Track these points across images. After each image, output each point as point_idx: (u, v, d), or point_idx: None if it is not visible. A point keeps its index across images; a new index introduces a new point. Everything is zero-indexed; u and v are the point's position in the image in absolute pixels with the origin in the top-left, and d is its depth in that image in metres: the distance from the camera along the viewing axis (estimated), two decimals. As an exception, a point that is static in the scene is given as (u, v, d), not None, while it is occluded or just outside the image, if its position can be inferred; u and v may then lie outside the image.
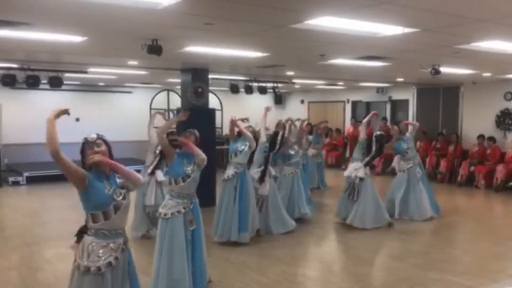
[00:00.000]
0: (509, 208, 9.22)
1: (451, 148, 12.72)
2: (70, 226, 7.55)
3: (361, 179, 7.57)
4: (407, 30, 5.23)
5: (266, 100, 17.30)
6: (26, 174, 12.11)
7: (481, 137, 12.03)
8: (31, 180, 12.06)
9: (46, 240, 7.09)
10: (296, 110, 18.04)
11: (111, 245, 3.25)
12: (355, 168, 7.66)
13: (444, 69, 8.51)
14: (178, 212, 4.63)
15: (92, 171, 3.32)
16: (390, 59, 7.80)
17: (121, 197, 3.29)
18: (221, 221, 6.60)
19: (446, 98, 13.56)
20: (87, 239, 3.26)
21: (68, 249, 6.28)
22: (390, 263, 6.23)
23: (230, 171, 6.60)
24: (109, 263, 3.22)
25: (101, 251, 3.22)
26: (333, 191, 10.51)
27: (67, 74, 10.03)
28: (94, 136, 3.40)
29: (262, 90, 12.56)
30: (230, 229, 6.51)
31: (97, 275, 3.18)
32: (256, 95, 13.79)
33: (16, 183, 11.95)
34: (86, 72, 10.02)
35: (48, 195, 11.05)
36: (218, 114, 12.77)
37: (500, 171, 11.25)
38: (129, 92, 15.37)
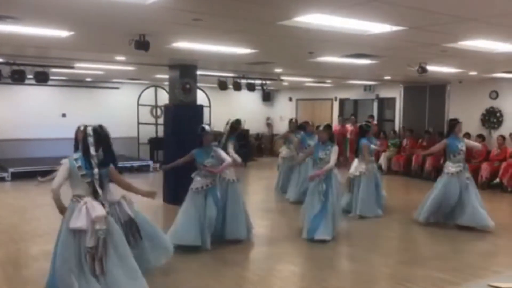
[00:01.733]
0: (494, 205, 9.31)
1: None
2: (57, 223, 7.53)
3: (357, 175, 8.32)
4: (395, 28, 5.27)
5: (255, 97, 17.33)
6: (11, 170, 11.97)
7: (466, 135, 12.14)
8: (17, 176, 11.91)
9: (32, 237, 7.02)
10: (284, 108, 18.10)
11: None
12: (355, 166, 8.44)
13: (431, 68, 8.58)
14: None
15: None
16: (378, 57, 7.84)
17: None
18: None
19: (432, 97, 13.68)
20: None
21: (53, 246, 6.28)
22: (376, 259, 6.28)
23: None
24: None
25: None
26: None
27: (53, 69, 9.94)
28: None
29: (251, 87, 12.56)
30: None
31: None
32: (244, 92, 13.81)
33: (1, 179, 11.81)
34: (72, 68, 9.92)
35: (34, 191, 10.84)
36: (206, 111, 12.75)
37: (484, 169, 11.38)
38: (117, 88, 15.26)
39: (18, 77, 9.00)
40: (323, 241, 6.61)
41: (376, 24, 5.18)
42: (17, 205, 9.31)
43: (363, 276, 5.67)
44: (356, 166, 8.40)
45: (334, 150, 6.73)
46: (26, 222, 7.92)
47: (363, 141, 8.40)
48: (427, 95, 13.77)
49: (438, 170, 12.44)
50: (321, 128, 7.02)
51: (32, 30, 5.68)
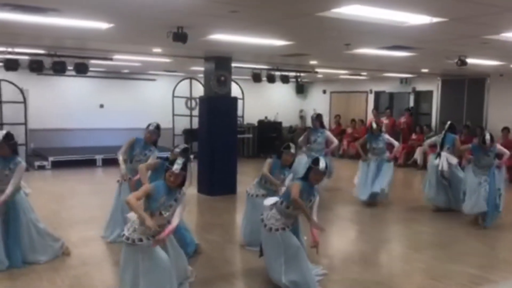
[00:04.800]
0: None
1: (475, 140, 12.51)
2: (94, 211, 7.78)
3: None
4: (435, 19, 5.16)
5: (288, 89, 17.28)
6: (51, 158, 12.36)
7: (505, 129, 11.82)
8: (56, 165, 12.30)
9: (71, 224, 7.25)
10: (318, 100, 17.98)
11: None
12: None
13: (470, 60, 8.37)
14: None
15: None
16: (416, 49, 7.70)
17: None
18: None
19: (471, 90, 13.33)
20: None
21: (93, 233, 6.47)
22: (410, 254, 6.21)
23: None
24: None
25: None
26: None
27: (92, 61, 10.16)
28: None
29: (285, 79, 12.53)
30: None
31: None
32: (277, 85, 13.79)
33: (41, 167, 12.20)
34: (111, 59, 10.12)
35: (72, 180, 11.27)
36: (239, 103, 12.81)
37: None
38: (153, 80, 15.50)
39: (59, 68, 9.27)
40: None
41: (416, 15, 5.08)
42: (56, 193, 9.61)
43: (399, 270, 5.63)
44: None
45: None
46: (65, 210, 8.17)
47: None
48: (465, 88, 13.44)
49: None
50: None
51: (73, 22, 5.82)
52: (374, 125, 8.82)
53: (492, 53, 7.96)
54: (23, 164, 5.35)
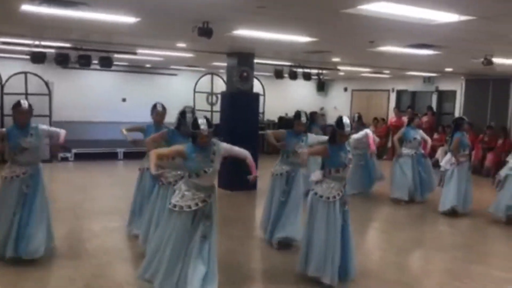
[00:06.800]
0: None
1: (499, 141, 12.35)
2: (116, 202, 7.90)
3: None
4: (463, 17, 5.09)
5: (309, 87, 17.23)
6: (74, 150, 12.55)
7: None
8: (79, 157, 12.50)
9: (94, 214, 7.37)
10: (339, 98, 17.88)
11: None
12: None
13: (497, 60, 8.24)
14: None
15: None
16: (441, 48, 7.60)
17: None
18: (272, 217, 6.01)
19: (495, 90, 13.12)
20: None
21: (115, 224, 6.57)
22: (432, 254, 6.16)
23: None
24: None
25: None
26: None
27: (116, 55, 10.27)
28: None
29: (307, 76, 12.49)
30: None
31: None
32: (298, 82, 13.74)
33: (65, 159, 12.41)
34: (135, 53, 10.23)
35: (95, 171, 11.44)
36: (260, 99, 12.82)
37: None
38: (175, 75, 15.60)
39: (84, 62, 9.39)
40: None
41: (443, 13, 5.02)
42: (79, 184, 9.77)
43: (419, 270, 5.59)
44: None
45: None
46: (88, 201, 8.30)
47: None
48: (490, 88, 13.23)
49: (498, 167, 12.04)
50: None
51: (101, 16, 5.90)
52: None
53: (520, 53, 7.83)
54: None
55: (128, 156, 12.49)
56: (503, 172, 7.62)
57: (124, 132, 6.11)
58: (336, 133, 4.80)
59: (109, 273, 5.07)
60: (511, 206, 7.29)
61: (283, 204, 5.89)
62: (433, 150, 12.60)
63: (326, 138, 5.40)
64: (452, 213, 7.88)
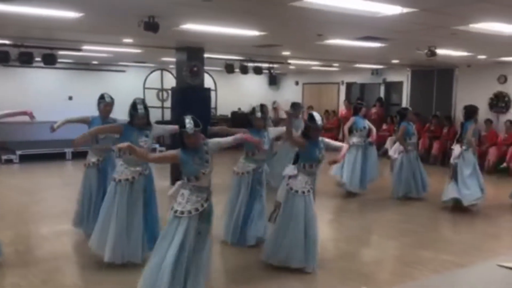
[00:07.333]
0: (501, 189, 9.31)
1: (444, 130, 12.82)
2: (66, 204, 7.64)
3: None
4: (406, 9, 5.22)
5: (260, 81, 17.27)
6: (19, 152, 12.05)
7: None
8: (24, 159, 12.01)
9: (42, 218, 7.12)
10: (291, 92, 18.03)
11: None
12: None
13: (440, 51, 8.52)
14: None
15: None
16: (387, 40, 7.79)
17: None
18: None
19: (440, 81, 13.60)
20: None
21: (64, 227, 6.35)
22: (383, 242, 6.32)
23: None
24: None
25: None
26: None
27: (61, 52, 9.92)
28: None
29: (258, 70, 12.51)
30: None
31: None
32: (250, 76, 13.77)
33: (9, 161, 11.89)
34: (80, 50, 9.91)
35: (42, 173, 11.03)
36: (212, 95, 12.74)
37: (492, 154, 11.38)
38: (123, 71, 15.24)
39: (25, 59, 9.03)
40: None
41: (387, 6, 5.14)
42: (25, 187, 9.39)
43: (371, 258, 5.72)
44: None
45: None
46: (35, 204, 8.00)
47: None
48: (434, 79, 13.69)
49: (444, 155, 12.51)
50: None
51: (41, 11, 5.67)
52: None
53: (461, 44, 8.12)
54: None
55: (77, 156, 12.06)
56: (452, 161, 7.93)
57: (56, 126, 5.95)
58: (310, 128, 4.92)
59: (59, 278, 4.89)
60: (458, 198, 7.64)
61: (251, 204, 5.78)
62: (383, 140, 12.95)
63: (284, 129, 5.50)
64: (406, 200, 8.25)
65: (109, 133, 5.70)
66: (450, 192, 7.69)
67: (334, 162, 5.37)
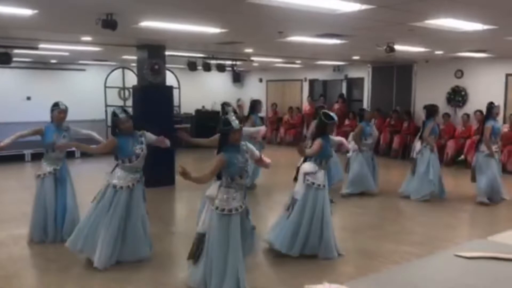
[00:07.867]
0: (459, 181, 9.61)
1: (404, 125, 13.11)
2: (24, 207, 7.42)
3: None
4: (364, 6, 5.29)
5: (224, 78, 17.22)
6: (-27, 155, 11.61)
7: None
8: (-20, 162, 11.59)
9: (-1, 222, 6.88)
10: (255, 89, 18.06)
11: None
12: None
13: (398, 47, 8.70)
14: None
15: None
16: (347, 37, 7.89)
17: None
18: None
19: (400, 76, 13.89)
20: None
21: (22, 231, 6.15)
22: (346, 236, 6.41)
23: None
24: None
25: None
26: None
27: (16, 51, 9.62)
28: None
29: (221, 68, 12.47)
30: None
31: None
32: (214, 73, 13.70)
33: (-37, 165, 11.46)
34: (36, 48, 9.62)
35: (-1, 176, 10.68)
36: (175, 92, 12.61)
37: (450, 147, 11.72)
38: (83, 70, 14.90)
39: (-22, 59, 8.70)
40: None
41: (345, 3, 5.19)
42: (-19, 191, 9.07)
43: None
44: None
45: None
46: (-8, 207, 7.73)
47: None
48: (394, 75, 13.98)
49: (404, 149, 12.81)
50: None
51: (-7, 8, 5.48)
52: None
53: (418, 40, 8.31)
54: None
55: (37, 157, 11.74)
56: (415, 156, 8.22)
57: (4, 143, 5.84)
58: (327, 124, 5.33)
59: (17, 285, 4.74)
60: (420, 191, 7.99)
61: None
62: (345, 135, 13.13)
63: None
64: (362, 194, 8.44)
65: (31, 136, 5.89)
66: (405, 185, 8.27)
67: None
